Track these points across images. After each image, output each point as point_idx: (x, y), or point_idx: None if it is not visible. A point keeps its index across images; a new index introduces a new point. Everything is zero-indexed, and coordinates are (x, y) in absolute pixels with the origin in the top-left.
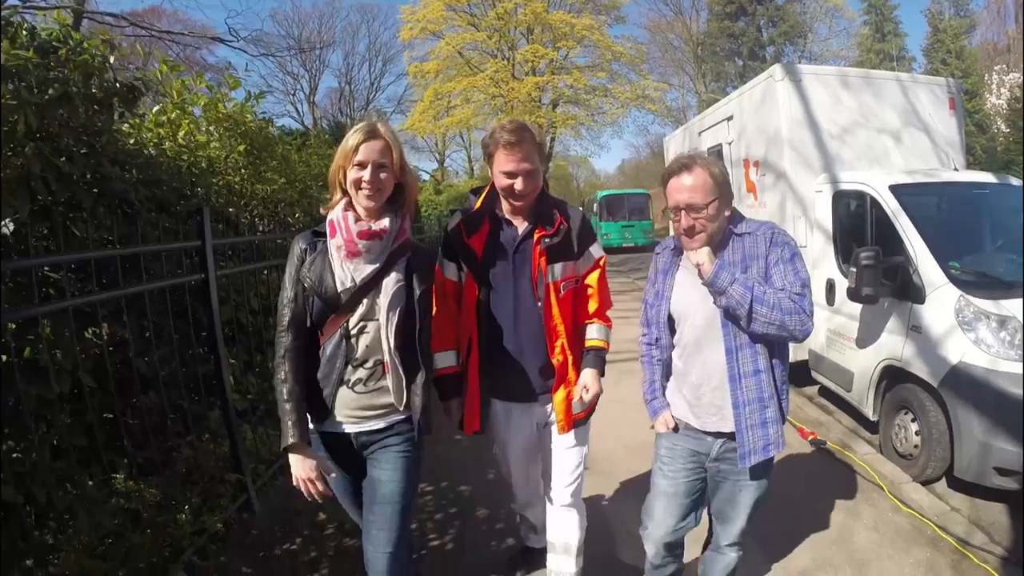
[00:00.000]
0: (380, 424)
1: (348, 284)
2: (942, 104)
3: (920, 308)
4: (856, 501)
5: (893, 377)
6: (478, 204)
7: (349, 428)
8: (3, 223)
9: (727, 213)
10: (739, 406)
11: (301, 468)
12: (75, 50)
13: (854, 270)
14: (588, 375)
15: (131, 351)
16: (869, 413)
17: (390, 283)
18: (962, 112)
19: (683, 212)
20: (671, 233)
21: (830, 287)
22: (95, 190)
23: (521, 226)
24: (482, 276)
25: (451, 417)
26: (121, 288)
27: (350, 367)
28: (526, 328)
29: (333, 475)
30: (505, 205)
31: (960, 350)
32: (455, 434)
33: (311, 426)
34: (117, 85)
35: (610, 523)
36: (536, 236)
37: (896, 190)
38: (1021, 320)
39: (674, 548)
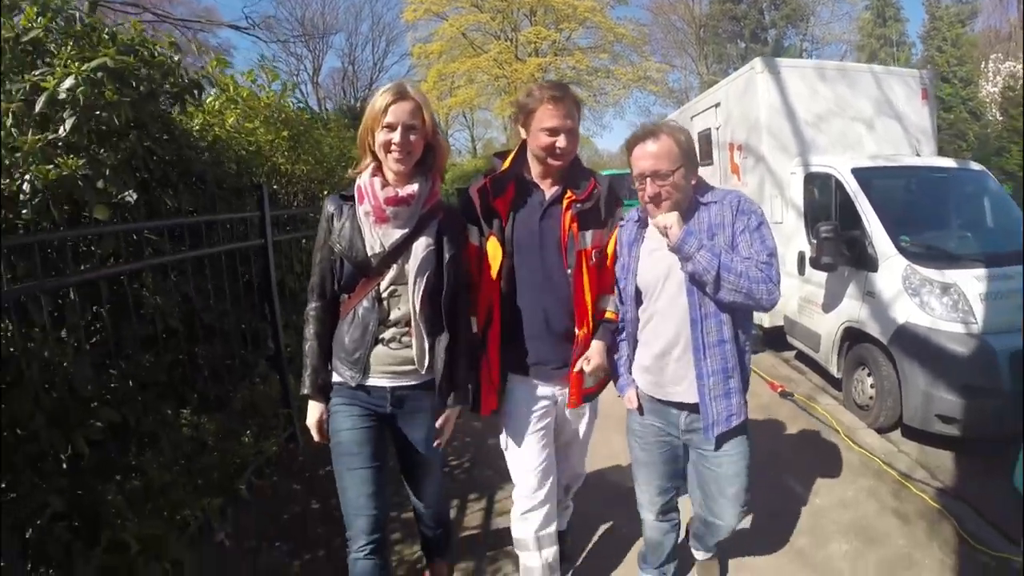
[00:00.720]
0: (413, 380)
1: (378, 249)
2: (915, 94)
3: (874, 276)
4: (816, 443)
5: (853, 337)
6: (506, 165)
7: (384, 382)
8: (128, 192)
9: (692, 182)
10: (703, 376)
11: (311, 415)
12: (151, 51)
13: (815, 241)
14: (595, 347)
15: (198, 305)
16: (833, 371)
17: (419, 247)
18: (934, 102)
19: (648, 179)
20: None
21: (801, 259)
22: (177, 170)
23: (550, 190)
24: (506, 240)
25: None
26: (199, 249)
27: (383, 326)
28: (552, 297)
29: (342, 431)
30: (536, 168)
31: (906, 312)
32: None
33: (353, 380)
34: (187, 81)
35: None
36: (567, 201)
37: (857, 173)
38: (962, 287)
39: (666, 512)
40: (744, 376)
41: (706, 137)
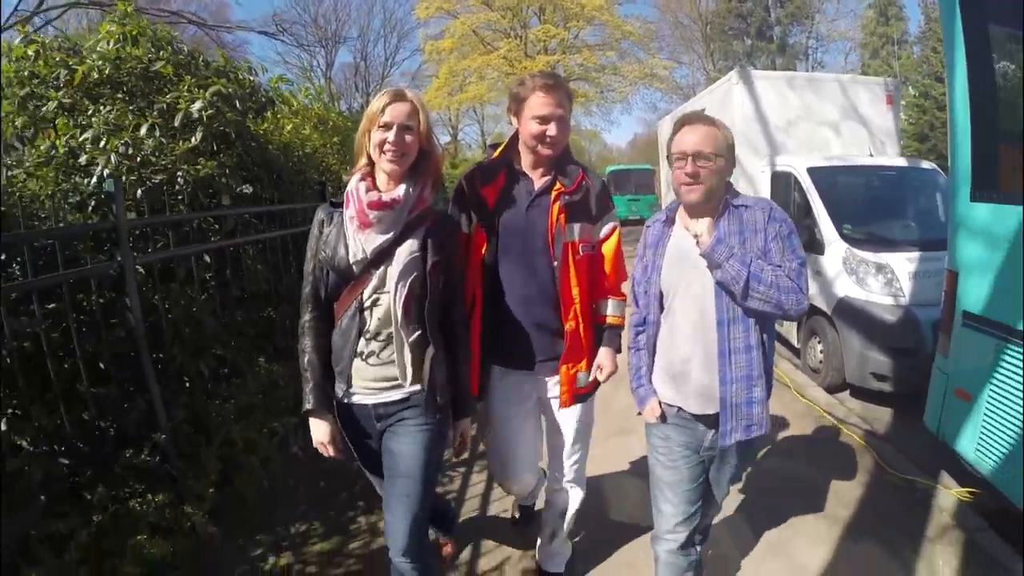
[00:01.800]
0: (396, 396)
1: (360, 256)
2: (879, 100)
3: (821, 258)
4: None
5: (808, 311)
6: (496, 155)
7: (366, 399)
8: (244, 186)
9: (729, 177)
10: (726, 382)
11: (317, 432)
12: (237, 76)
13: None
14: (604, 354)
15: (279, 275)
16: (793, 341)
17: (403, 253)
18: (898, 107)
19: (689, 158)
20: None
21: None
22: (263, 169)
23: (539, 181)
24: (492, 228)
25: None
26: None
27: (363, 340)
28: (536, 288)
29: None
30: (526, 158)
31: (845, 288)
32: None
33: (337, 397)
34: (264, 100)
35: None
36: (555, 192)
37: (812, 171)
38: (894, 267)
39: (687, 546)
40: (768, 386)
41: None
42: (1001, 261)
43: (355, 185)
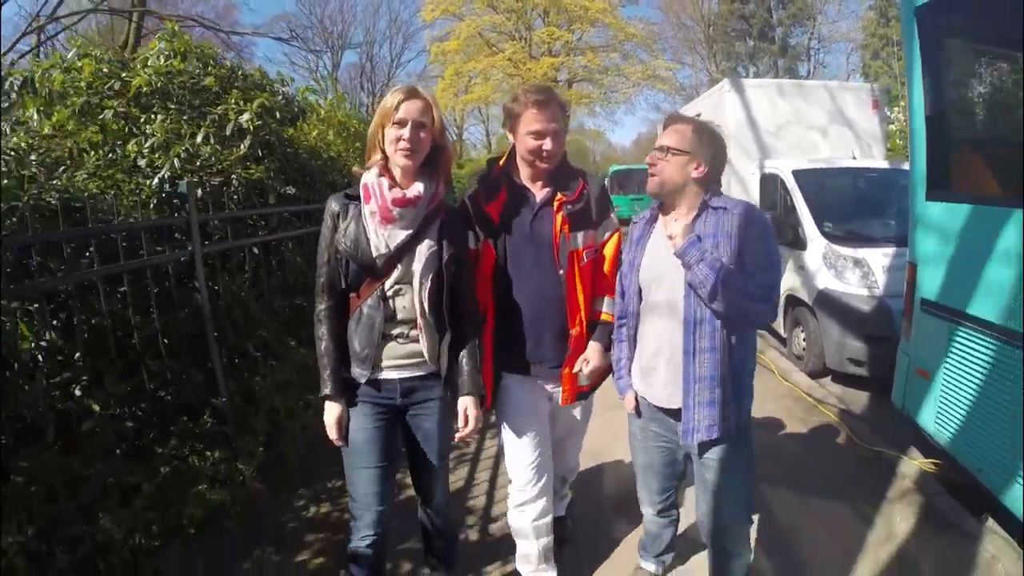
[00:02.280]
0: (420, 372)
1: (383, 250)
2: (865, 105)
3: (803, 253)
4: (756, 379)
5: (792, 303)
6: (496, 171)
7: (394, 374)
8: (287, 188)
9: (696, 175)
10: (689, 381)
11: (331, 414)
12: (272, 88)
13: None
14: (592, 348)
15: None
16: (781, 331)
17: (424, 248)
18: (884, 111)
19: (654, 151)
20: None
21: None
22: (298, 173)
23: (540, 193)
24: (499, 242)
25: None
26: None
27: (391, 323)
28: (545, 298)
29: (358, 430)
30: (525, 171)
31: (825, 280)
32: None
33: (363, 376)
34: (297, 110)
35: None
36: (557, 203)
37: (796, 173)
38: (870, 262)
39: (667, 509)
40: (738, 388)
41: None
42: (952, 253)
43: (375, 180)
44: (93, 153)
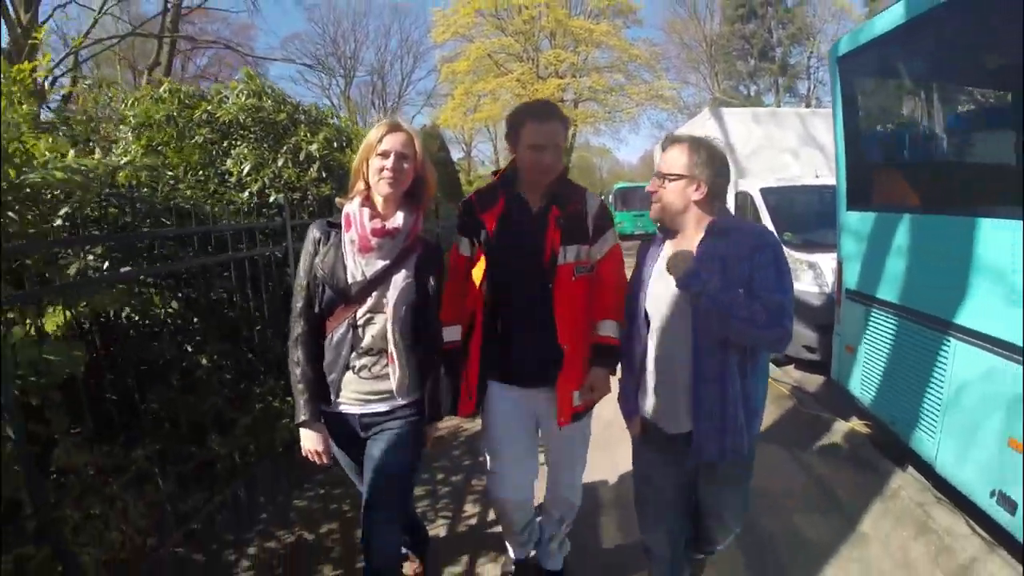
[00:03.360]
0: (383, 407)
1: (359, 278)
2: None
3: None
4: None
5: None
6: (495, 180)
7: (353, 410)
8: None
9: (696, 197)
10: (700, 406)
11: (310, 441)
12: (326, 120)
13: None
14: (596, 375)
15: None
16: None
17: (399, 279)
18: None
19: (654, 177)
20: None
21: None
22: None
23: (536, 205)
24: (492, 252)
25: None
26: None
27: (355, 354)
28: (533, 309)
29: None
30: (523, 183)
31: None
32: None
33: (328, 405)
34: (346, 137)
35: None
36: (552, 216)
37: (764, 191)
38: (822, 265)
39: (676, 563)
40: (749, 412)
41: None
42: (865, 251)
43: (357, 209)
44: (190, 171)
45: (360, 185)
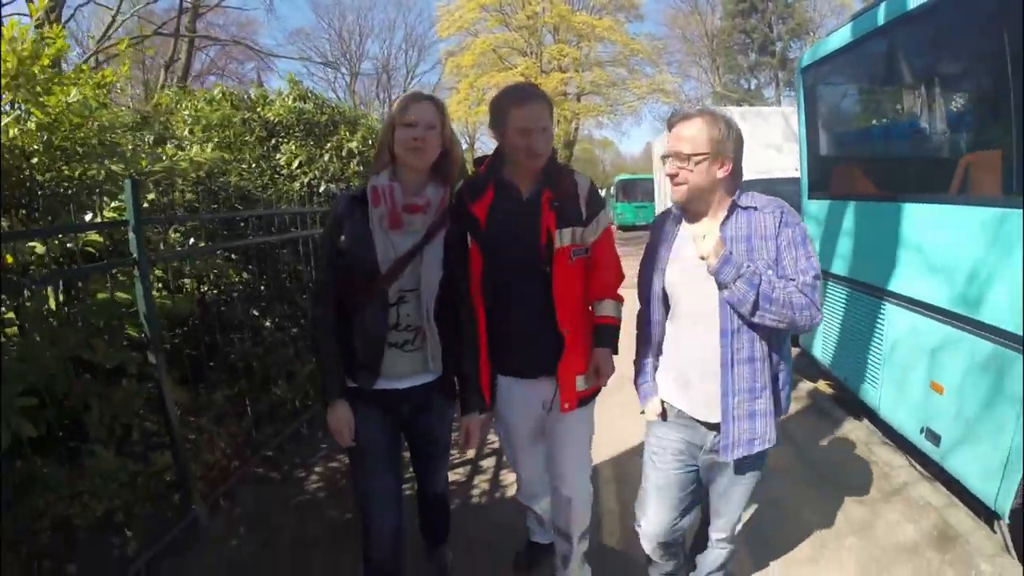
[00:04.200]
0: (430, 378)
1: (391, 255)
2: None
3: None
4: None
5: None
6: (481, 170)
7: (402, 384)
8: None
9: (721, 175)
10: (728, 394)
11: (338, 419)
12: (358, 119)
13: None
14: (600, 355)
15: None
16: None
17: (429, 256)
18: None
19: (670, 158)
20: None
21: None
22: None
23: (527, 191)
24: (486, 243)
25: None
26: None
27: (395, 331)
28: (533, 297)
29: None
30: (511, 170)
31: None
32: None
33: (368, 384)
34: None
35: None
36: (544, 200)
37: (744, 183)
38: None
39: (671, 547)
40: (776, 398)
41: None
42: (823, 233)
43: (387, 183)
44: (248, 165)
45: (386, 157)
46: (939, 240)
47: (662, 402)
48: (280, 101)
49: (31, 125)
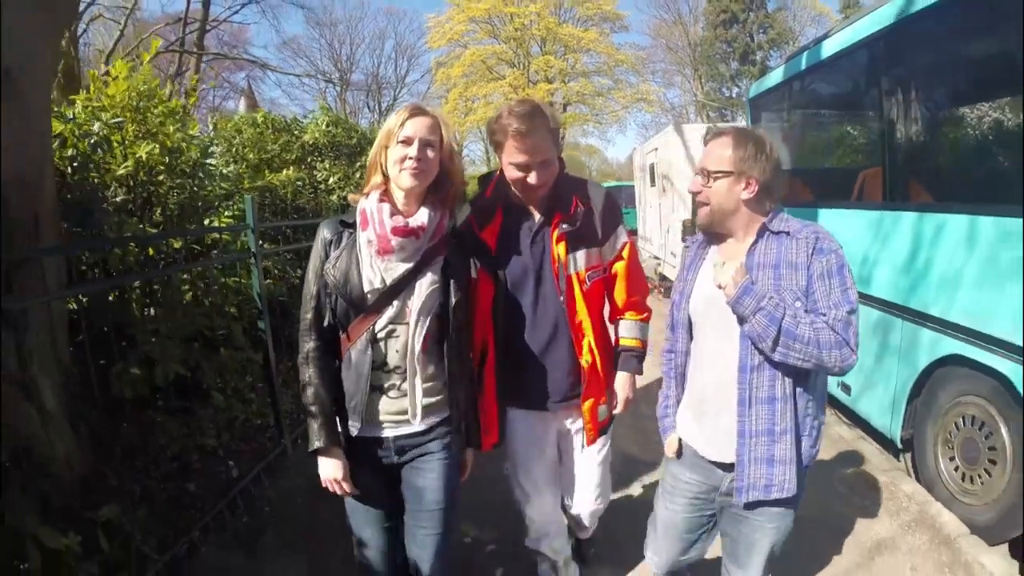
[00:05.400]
0: (420, 427)
1: (377, 284)
2: None
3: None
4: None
5: None
6: (488, 192)
7: (387, 432)
8: None
9: (746, 196)
10: (744, 434)
11: (329, 470)
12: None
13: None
14: (620, 380)
15: None
16: None
17: (424, 285)
18: None
19: (696, 176)
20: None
21: (684, 227)
22: None
23: (537, 214)
24: (497, 272)
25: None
26: None
27: (380, 372)
28: (547, 326)
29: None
30: (519, 193)
31: None
32: None
33: (354, 429)
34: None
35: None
36: (554, 222)
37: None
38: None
39: (676, 574)
40: (799, 444)
41: (652, 167)
42: None
43: (375, 206)
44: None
45: (377, 178)
46: (844, 235)
47: (679, 440)
48: (313, 126)
49: (156, 149)
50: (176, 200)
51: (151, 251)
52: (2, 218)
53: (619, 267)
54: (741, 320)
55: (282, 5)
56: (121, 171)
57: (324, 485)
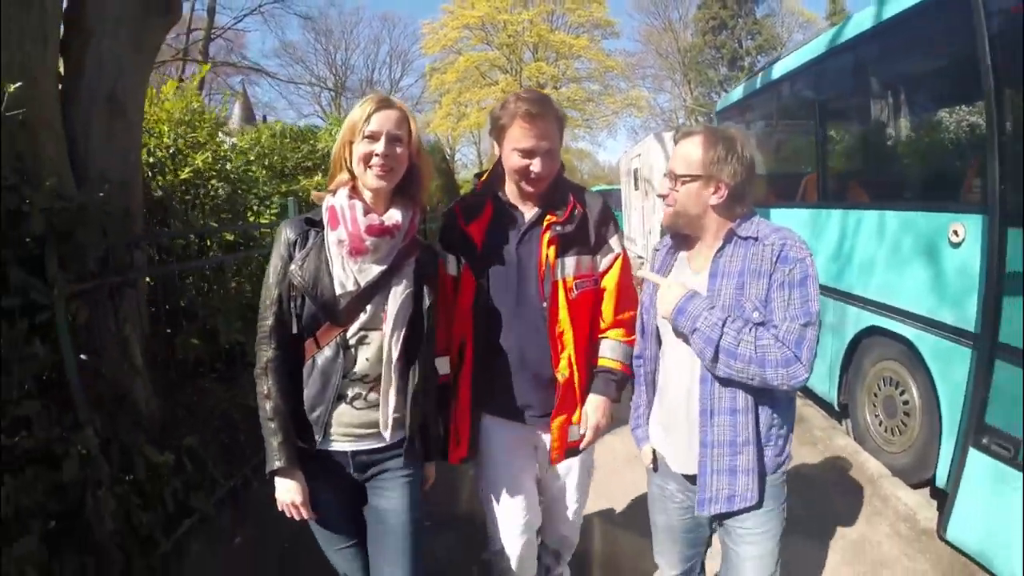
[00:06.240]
0: (378, 443)
1: (350, 287)
2: None
3: None
4: None
5: None
6: (479, 186)
7: (345, 447)
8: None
9: (714, 201)
10: (707, 445)
11: (287, 492)
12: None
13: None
14: (592, 403)
15: None
16: None
17: (399, 288)
18: None
19: (664, 178)
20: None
21: (663, 231)
22: None
23: (529, 212)
24: (481, 270)
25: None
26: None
27: (347, 381)
28: (528, 334)
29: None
30: (513, 188)
31: None
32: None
33: (309, 444)
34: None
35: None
36: (546, 223)
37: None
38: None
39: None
40: (761, 455)
41: (635, 172)
42: None
43: (345, 203)
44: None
45: (343, 175)
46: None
47: (653, 450)
48: (327, 135)
49: (209, 157)
50: (224, 200)
51: (209, 241)
52: (105, 211)
53: (608, 282)
54: (686, 337)
55: (284, 15)
56: (185, 175)
57: (281, 509)
